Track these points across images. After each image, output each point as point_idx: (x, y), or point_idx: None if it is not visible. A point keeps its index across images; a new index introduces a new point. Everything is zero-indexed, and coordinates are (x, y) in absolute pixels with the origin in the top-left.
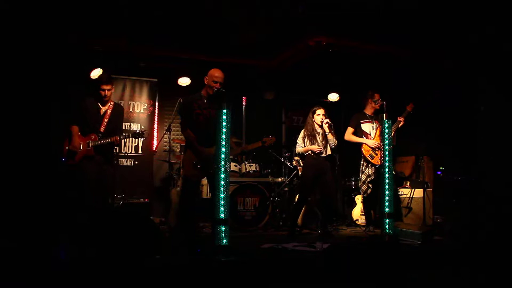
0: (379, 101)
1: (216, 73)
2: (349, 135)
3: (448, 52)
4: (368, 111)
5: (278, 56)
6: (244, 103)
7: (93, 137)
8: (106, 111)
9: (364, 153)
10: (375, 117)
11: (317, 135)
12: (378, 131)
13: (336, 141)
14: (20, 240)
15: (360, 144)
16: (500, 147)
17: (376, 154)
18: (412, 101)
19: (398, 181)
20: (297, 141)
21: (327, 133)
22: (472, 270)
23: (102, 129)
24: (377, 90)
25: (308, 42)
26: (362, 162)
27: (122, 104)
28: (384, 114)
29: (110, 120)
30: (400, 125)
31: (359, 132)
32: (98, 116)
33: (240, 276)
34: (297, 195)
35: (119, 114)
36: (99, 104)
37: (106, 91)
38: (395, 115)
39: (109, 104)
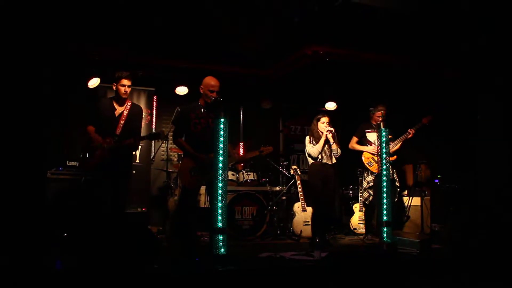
0: (379, 118)
1: (212, 82)
2: (352, 143)
3: (447, 61)
4: (374, 121)
5: (275, 65)
6: (241, 112)
7: (108, 140)
8: (122, 112)
9: (363, 161)
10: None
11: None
12: None
13: (340, 151)
14: (14, 251)
15: (361, 152)
16: (497, 156)
17: (376, 162)
18: (430, 114)
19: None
20: (308, 145)
21: (331, 143)
22: (470, 278)
23: (118, 131)
24: (380, 102)
25: (305, 51)
26: (363, 170)
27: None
28: (382, 123)
29: (126, 122)
30: (408, 136)
31: (364, 141)
32: (113, 117)
33: (238, 285)
34: (311, 207)
35: (137, 114)
36: (115, 104)
37: (127, 87)
38: (401, 125)
39: (126, 104)
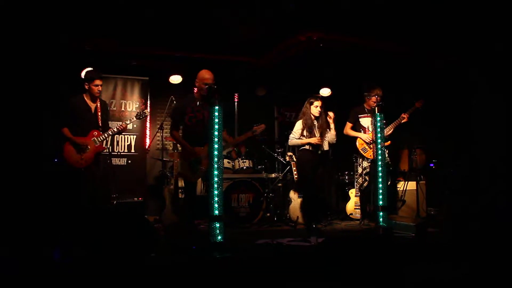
0: (375, 99)
1: (206, 75)
2: (347, 129)
3: (443, 48)
4: (368, 105)
5: (269, 52)
6: (236, 100)
7: (95, 133)
8: (96, 107)
9: (358, 147)
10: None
11: (314, 128)
12: None
13: (335, 138)
14: (15, 242)
15: (355, 138)
16: (493, 140)
17: (370, 148)
18: (422, 98)
19: (395, 175)
20: (292, 132)
21: (331, 127)
22: (466, 262)
23: (100, 123)
24: (375, 85)
25: (299, 38)
26: (358, 157)
27: (114, 103)
28: (376, 108)
29: (102, 115)
30: (402, 121)
31: (357, 127)
32: (91, 113)
33: (236, 272)
34: (297, 192)
35: (106, 109)
36: (88, 101)
37: (100, 86)
38: (396, 110)
39: (97, 100)
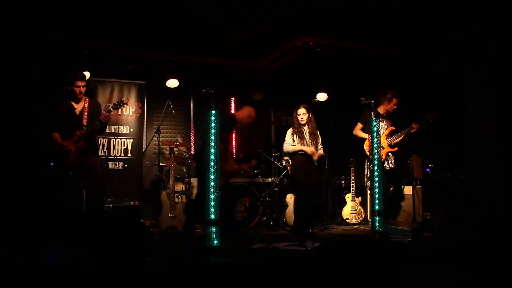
0: (395, 107)
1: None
2: (357, 130)
3: (439, 52)
4: (381, 110)
5: (266, 56)
6: (233, 104)
7: (78, 133)
8: (83, 107)
9: (365, 148)
10: (387, 116)
11: (304, 133)
12: (387, 131)
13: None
14: (10, 244)
15: (362, 140)
16: (489, 145)
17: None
18: (435, 112)
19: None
20: (285, 140)
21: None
22: (462, 266)
23: (84, 122)
24: (397, 94)
25: (295, 42)
26: (365, 159)
27: (109, 107)
28: (372, 113)
29: (89, 114)
30: (412, 131)
31: (367, 129)
32: (75, 116)
33: (232, 277)
34: (294, 197)
35: (97, 108)
36: (73, 104)
37: (81, 87)
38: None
39: (83, 101)
